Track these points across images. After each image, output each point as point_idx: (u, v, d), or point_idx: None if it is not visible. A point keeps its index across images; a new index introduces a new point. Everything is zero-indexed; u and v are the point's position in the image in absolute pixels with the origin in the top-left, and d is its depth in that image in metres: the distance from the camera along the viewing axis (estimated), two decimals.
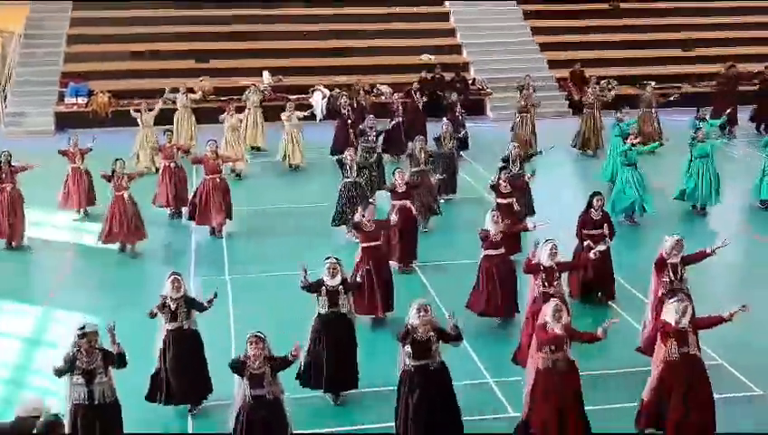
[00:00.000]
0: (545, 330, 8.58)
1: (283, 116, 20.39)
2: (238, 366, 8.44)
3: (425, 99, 22.97)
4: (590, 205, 12.67)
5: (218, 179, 15.72)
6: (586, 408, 8.83)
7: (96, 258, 15.07)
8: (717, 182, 16.81)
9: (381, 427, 9.51)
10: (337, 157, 16.05)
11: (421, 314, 8.62)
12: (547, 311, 8.68)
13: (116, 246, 15.14)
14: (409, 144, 16.62)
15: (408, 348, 8.64)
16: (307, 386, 10.05)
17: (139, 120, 19.89)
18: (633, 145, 16.46)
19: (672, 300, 8.85)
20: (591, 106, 21.76)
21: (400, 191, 13.86)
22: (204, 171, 15.99)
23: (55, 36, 27.57)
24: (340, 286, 9.90)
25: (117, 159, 15.08)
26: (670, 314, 8.68)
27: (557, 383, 8.61)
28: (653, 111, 21.86)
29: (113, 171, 14.94)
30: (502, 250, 11.91)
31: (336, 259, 10.07)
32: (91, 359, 8.35)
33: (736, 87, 24.27)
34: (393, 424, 9.11)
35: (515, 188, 14.32)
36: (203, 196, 15.62)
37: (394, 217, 12.86)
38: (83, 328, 8.35)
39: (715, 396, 10.09)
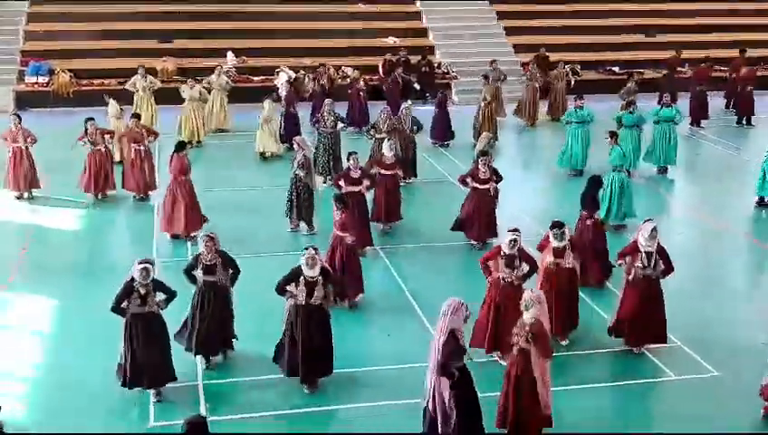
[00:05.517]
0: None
1: (266, 106, 19.59)
2: (192, 263, 9.97)
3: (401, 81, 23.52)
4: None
5: (192, 182, 14.67)
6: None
7: (53, 239, 14.88)
8: (639, 149, 18.75)
9: (353, 407, 9.60)
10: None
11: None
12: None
13: (83, 209, 15.93)
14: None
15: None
16: (284, 374, 9.92)
17: (111, 113, 18.69)
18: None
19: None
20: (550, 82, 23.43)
21: (355, 176, 13.79)
22: (177, 174, 14.51)
23: (15, 14, 27.06)
24: (320, 277, 9.68)
25: (87, 119, 16.29)
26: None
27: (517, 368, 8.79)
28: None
29: (86, 130, 16.16)
30: (393, 171, 14.60)
31: (315, 249, 9.74)
32: None
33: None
34: (364, 405, 9.27)
35: (493, 174, 14.39)
36: (180, 199, 14.39)
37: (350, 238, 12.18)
38: None
39: (674, 378, 10.32)
